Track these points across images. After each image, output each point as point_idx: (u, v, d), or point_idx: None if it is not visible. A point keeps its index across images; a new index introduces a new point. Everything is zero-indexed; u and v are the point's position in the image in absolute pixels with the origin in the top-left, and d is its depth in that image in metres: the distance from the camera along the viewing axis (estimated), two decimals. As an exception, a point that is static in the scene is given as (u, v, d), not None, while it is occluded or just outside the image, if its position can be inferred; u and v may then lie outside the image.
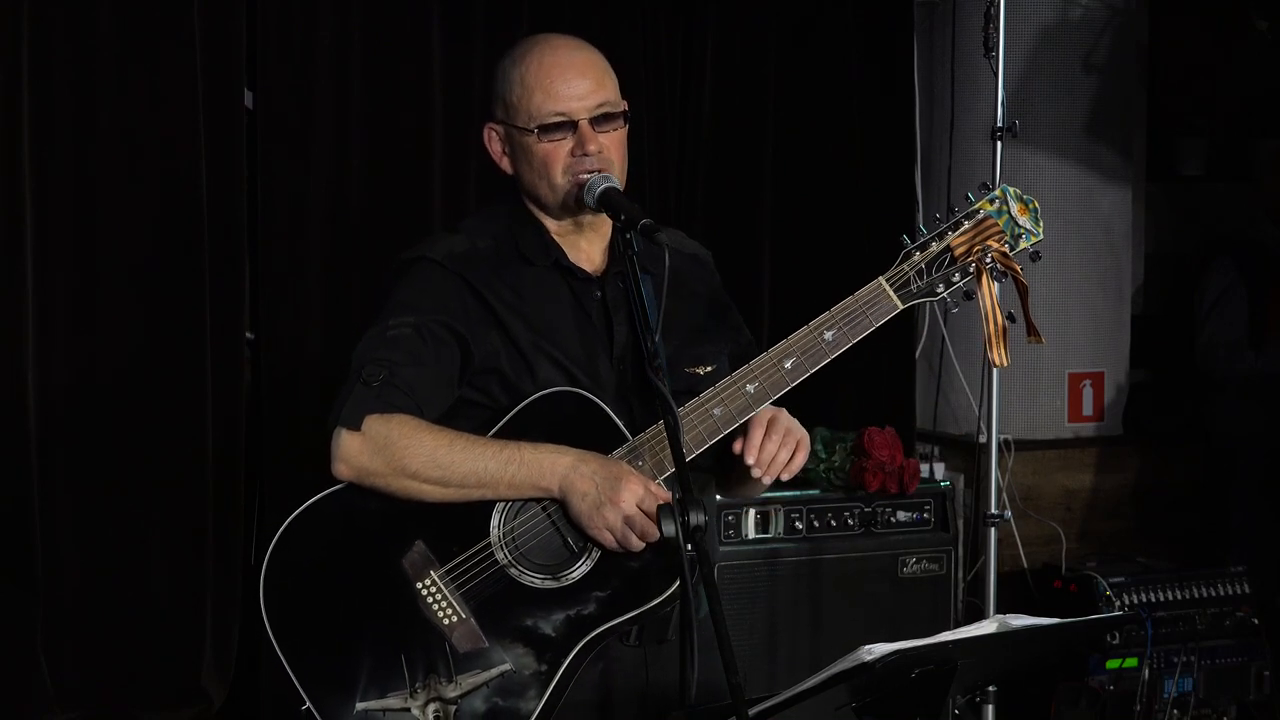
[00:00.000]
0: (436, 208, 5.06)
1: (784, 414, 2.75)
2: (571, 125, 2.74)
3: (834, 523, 4.93)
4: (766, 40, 5.55)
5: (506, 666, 2.62)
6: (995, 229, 2.77)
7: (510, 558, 2.65)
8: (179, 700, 4.82)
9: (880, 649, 2.36)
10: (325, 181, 4.98)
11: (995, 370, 4.52)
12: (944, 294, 2.77)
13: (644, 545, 2.60)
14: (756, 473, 2.70)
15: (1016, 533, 5.28)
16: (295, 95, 4.95)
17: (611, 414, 2.68)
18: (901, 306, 2.76)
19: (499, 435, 2.67)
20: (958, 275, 2.77)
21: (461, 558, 2.65)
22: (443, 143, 5.07)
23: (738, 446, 2.70)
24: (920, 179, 5.74)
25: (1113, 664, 4.98)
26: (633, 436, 2.68)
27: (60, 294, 4.70)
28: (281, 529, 2.67)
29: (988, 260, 2.76)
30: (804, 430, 2.75)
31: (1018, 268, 2.79)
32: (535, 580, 2.65)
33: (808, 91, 5.60)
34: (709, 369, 2.81)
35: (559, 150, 2.75)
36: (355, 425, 2.64)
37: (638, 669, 2.75)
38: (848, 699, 2.47)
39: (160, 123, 4.77)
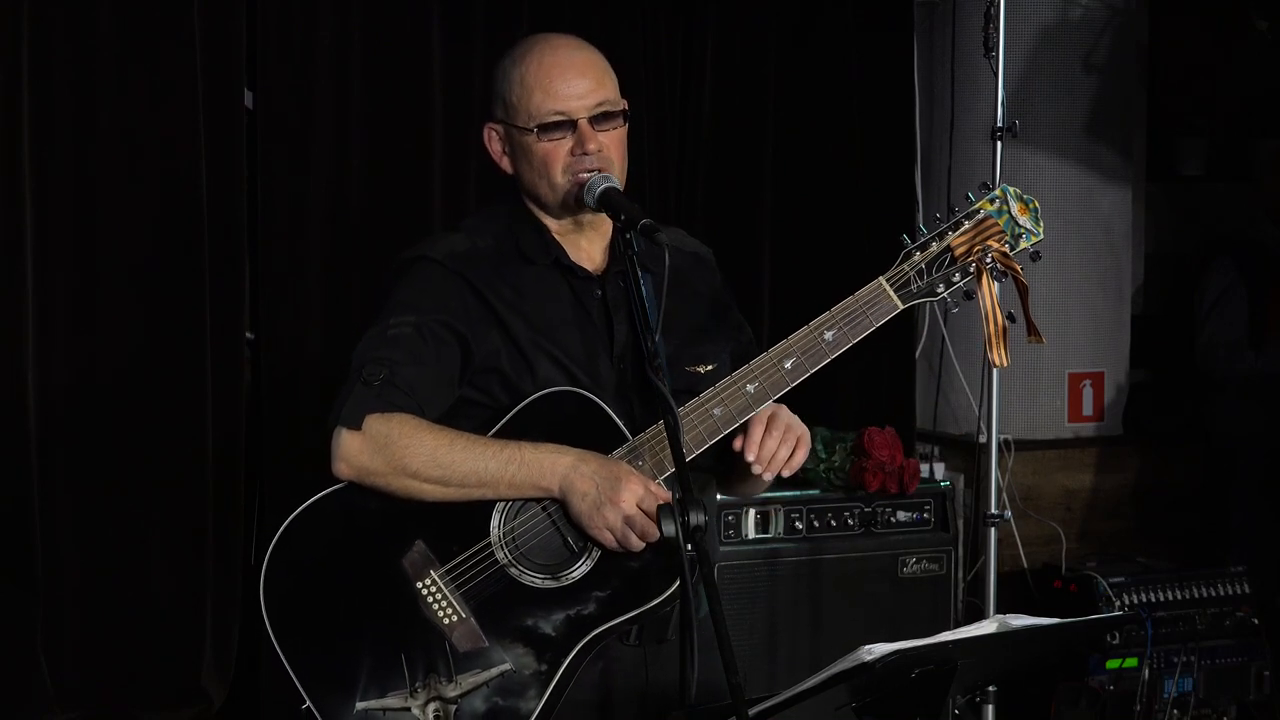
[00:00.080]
0: (436, 208, 5.06)
1: (784, 410, 2.74)
2: (571, 124, 2.74)
3: (834, 523, 4.93)
4: (766, 40, 5.54)
5: (506, 666, 2.62)
6: (995, 229, 2.77)
7: (510, 557, 2.65)
8: (179, 700, 4.82)
9: (880, 649, 2.36)
10: (325, 181, 4.98)
11: (995, 370, 4.52)
12: (944, 294, 2.77)
13: (644, 545, 2.60)
14: (757, 469, 2.70)
15: (1016, 533, 5.28)
16: (295, 95, 4.95)
17: (612, 414, 2.68)
18: (902, 306, 2.76)
19: (499, 435, 2.67)
20: (958, 275, 2.76)
21: (461, 557, 2.65)
22: (443, 143, 5.07)
23: (738, 443, 2.70)
24: (920, 179, 5.73)
25: (1113, 664, 4.98)
26: (633, 436, 2.68)
27: (60, 294, 4.70)
28: (282, 528, 2.67)
29: (988, 260, 2.76)
30: (804, 426, 2.75)
31: (1018, 267, 2.78)
32: (535, 580, 2.65)
33: (808, 91, 5.60)
34: (710, 368, 2.81)
35: (559, 149, 2.74)
36: (356, 424, 2.64)
37: (638, 669, 2.74)
38: (848, 699, 2.47)
39: (160, 123, 4.77)
